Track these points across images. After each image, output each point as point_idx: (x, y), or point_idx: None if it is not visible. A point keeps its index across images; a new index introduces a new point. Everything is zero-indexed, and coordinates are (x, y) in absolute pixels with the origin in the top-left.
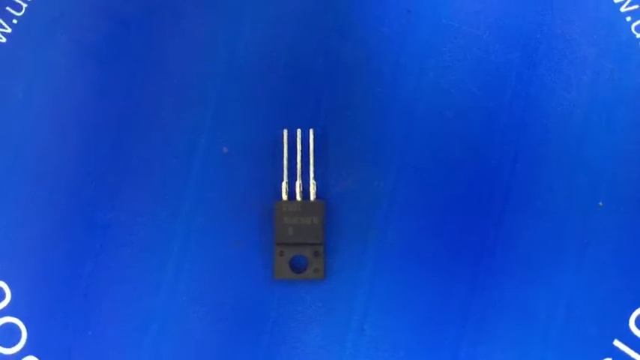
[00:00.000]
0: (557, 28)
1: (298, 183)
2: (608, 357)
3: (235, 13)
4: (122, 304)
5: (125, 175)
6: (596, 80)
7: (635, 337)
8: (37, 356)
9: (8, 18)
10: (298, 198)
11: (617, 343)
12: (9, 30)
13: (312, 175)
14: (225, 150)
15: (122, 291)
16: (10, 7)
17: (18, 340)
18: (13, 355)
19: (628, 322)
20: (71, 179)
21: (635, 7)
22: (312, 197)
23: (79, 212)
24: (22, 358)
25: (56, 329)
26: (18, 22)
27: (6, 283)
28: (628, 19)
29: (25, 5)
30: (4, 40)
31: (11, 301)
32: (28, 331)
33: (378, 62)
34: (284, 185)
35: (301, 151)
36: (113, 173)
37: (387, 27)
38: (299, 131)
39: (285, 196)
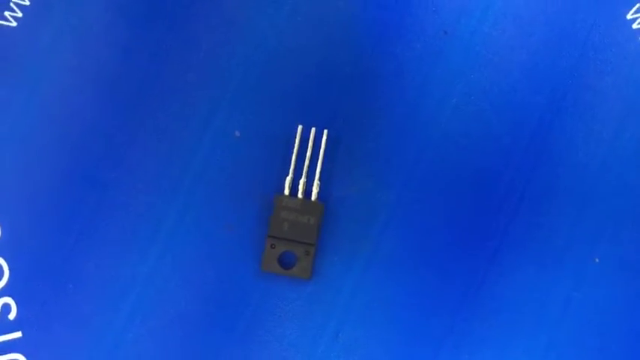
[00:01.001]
0: (588, 79)
1: (302, 181)
2: None
3: (277, 3)
4: (107, 265)
5: (135, 139)
6: (618, 137)
7: None
8: (13, 298)
9: None
10: (299, 195)
11: None
12: None
13: (317, 175)
14: (237, 134)
15: (109, 252)
16: None
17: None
18: None
19: None
20: (82, 132)
21: None
22: (314, 197)
23: (82, 166)
24: None
25: (38, 276)
26: None
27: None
28: None
29: None
30: None
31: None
32: (10, 272)
33: (406, 78)
34: (288, 180)
35: (312, 149)
36: (123, 134)
37: (421, 44)
38: (313, 130)
39: (287, 191)
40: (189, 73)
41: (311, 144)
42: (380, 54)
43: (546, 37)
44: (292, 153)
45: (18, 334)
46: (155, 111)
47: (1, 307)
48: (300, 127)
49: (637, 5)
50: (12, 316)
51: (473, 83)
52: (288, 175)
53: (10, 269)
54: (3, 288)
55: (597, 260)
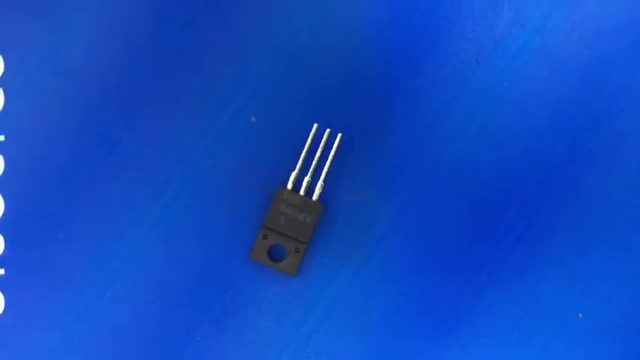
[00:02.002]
0: (609, 137)
1: (307, 179)
2: None
3: (318, 1)
4: (101, 222)
5: (153, 104)
6: (625, 202)
7: None
8: (3, 235)
9: None
10: (301, 192)
11: None
12: None
13: (323, 176)
14: (253, 119)
15: (106, 210)
16: None
17: None
18: None
19: None
20: (102, 88)
21: None
22: (315, 197)
23: (95, 122)
24: None
25: (32, 218)
26: None
27: (3, 156)
28: None
29: None
30: None
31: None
32: (5, 208)
33: (429, 99)
34: (293, 175)
35: (322, 150)
36: (142, 97)
37: (451, 68)
38: (328, 131)
39: (289, 186)
40: (217, 50)
41: (323, 144)
42: (409, 70)
43: (577, 86)
44: (303, 149)
45: (1, 271)
46: (177, 81)
47: None
48: (315, 126)
49: None
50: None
51: (494, 117)
52: (294, 171)
53: (5, 205)
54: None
55: (580, 316)
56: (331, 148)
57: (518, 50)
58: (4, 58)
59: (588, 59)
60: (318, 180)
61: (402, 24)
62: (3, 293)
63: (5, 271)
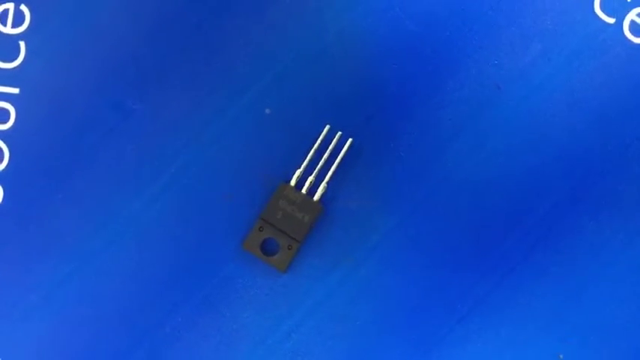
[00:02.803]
0: (618, 184)
1: (311, 178)
2: None
3: (350, 3)
4: (101, 190)
5: (170, 80)
6: (624, 255)
7: None
8: (2, 186)
9: None
10: (303, 191)
11: None
12: None
13: (327, 178)
14: (267, 111)
15: (108, 179)
16: None
17: (1, 159)
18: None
19: None
20: (122, 55)
21: None
22: (316, 197)
23: (111, 90)
24: None
25: (33, 176)
26: None
27: (12, 105)
28: None
29: None
30: None
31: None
32: (9, 161)
33: (443, 118)
34: (298, 172)
35: (331, 152)
36: (161, 72)
37: (470, 91)
38: (339, 134)
39: (293, 182)
40: (242, 36)
41: (332, 147)
42: (429, 86)
43: (592, 128)
44: (311, 149)
45: None
46: (197, 61)
47: None
48: (327, 127)
49: None
50: None
51: (505, 145)
52: (299, 168)
53: (9, 157)
54: (2, 172)
55: (561, 357)
56: (339, 152)
57: (541, 83)
58: (30, 12)
59: (609, 103)
60: (322, 181)
61: (428, 39)
62: None
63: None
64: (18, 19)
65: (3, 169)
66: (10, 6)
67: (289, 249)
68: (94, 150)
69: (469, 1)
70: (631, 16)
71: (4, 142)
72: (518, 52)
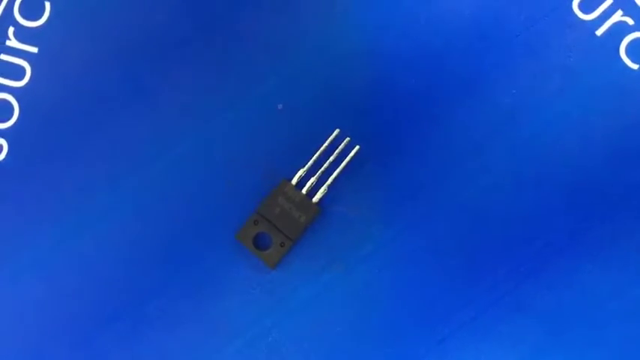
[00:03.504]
0: (623, 227)
1: (312, 179)
2: None
3: (376, 9)
4: (102, 159)
5: (191, 61)
6: (618, 297)
7: None
8: (7, 141)
9: None
10: (303, 191)
11: None
12: None
13: (329, 181)
14: (280, 106)
15: (109, 149)
16: None
17: (11, 116)
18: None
19: None
20: (147, 29)
21: None
22: (315, 199)
23: (131, 60)
24: None
25: (38, 136)
26: None
27: (28, 64)
28: None
29: None
30: None
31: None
32: (19, 116)
33: (455, 140)
34: (301, 172)
35: (336, 156)
36: (182, 52)
37: (484, 117)
38: (347, 139)
39: (294, 181)
40: (268, 28)
41: (338, 151)
42: (444, 105)
43: (601, 173)
44: (318, 150)
45: None
46: (219, 47)
47: None
48: (337, 131)
49: None
50: (0, 157)
51: (510, 175)
52: (303, 168)
53: (19, 114)
54: (8, 127)
55: None
56: (345, 158)
57: (555, 118)
58: None
59: (620, 148)
60: (323, 184)
61: (450, 58)
62: None
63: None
64: None
65: (10, 126)
66: None
67: (281, 246)
68: (104, 118)
69: (496, 26)
70: None
71: (16, 98)
72: (537, 84)
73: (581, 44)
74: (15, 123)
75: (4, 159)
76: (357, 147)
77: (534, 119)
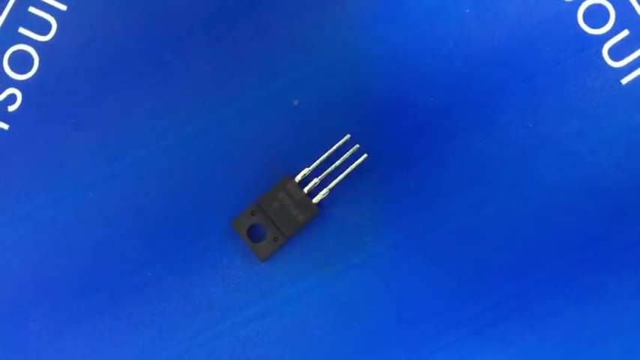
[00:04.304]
0: (624, 280)
1: (316, 180)
2: None
3: (406, 22)
4: (111, 126)
5: (212, 45)
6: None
7: None
8: (22, 92)
9: None
10: (305, 190)
11: None
12: None
13: (331, 185)
14: (295, 102)
15: (119, 118)
16: None
17: (30, 69)
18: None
19: None
20: (173, 7)
21: None
22: (315, 200)
23: (153, 34)
24: None
25: (52, 90)
26: None
27: (55, 20)
28: None
29: None
30: None
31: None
32: (38, 68)
33: (464, 166)
34: (305, 170)
35: (343, 161)
36: (207, 36)
37: (497, 147)
38: (356, 147)
39: (298, 179)
40: (293, 22)
41: (346, 156)
42: (457, 130)
43: (604, 221)
44: (326, 152)
45: (4, 126)
46: (241, 35)
47: (7, 96)
48: (347, 136)
49: None
50: (12, 108)
51: (513, 208)
52: (308, 167)
53: (38, 66)
54: (25, 79)
55: None
56: (351, 164)
57: (567, 160)
58: None
59: (629, 199)
60: (326, 186)
61: (472, 81)
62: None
63: (9, 127)
64: None
65: (28, 78)
66: None
67: (275, 241)
68: (119, 87)
69: (523, 58)
70: None
71: (38, 52)
72: (554, 123)
73: (605, 90)
74: (33, 76)
75: (16, 109)
76: (365, 155)
77: (545, 156)
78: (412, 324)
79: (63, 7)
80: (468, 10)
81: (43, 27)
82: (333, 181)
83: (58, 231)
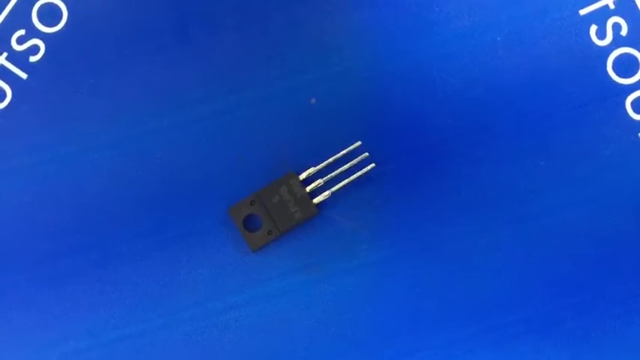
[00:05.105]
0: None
1: (319, 181)
2: None
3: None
4: (126, 94)
5: (241, 27)
6: None
7: None
8: (43, 42)
9: None
10: (307, 189)
11: None
12: None
13: (334, 188)
14: (313, 101)
15: (136, 87)
16: None
17: (58, 22)
18: None
19: None
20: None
21: None
22: (315, 200)
23: (182, 8)
24: None
25: (77, 46)
26: None
27: None
28: None
29: None
30: None
31: None
32: (68, 18)
33: (470, 198)
34: (311, 170)
35: (350, 167)
36: (237, 16)
37: (504, 186)
38: (365, 155)
39: (302, 177)
40: (322, 19)
41: (353, 162)
42: (470, 158)
43: (592, 284)
44: (334, 155)
45: (23, 75)
46: (274, 22)
47: (31, 46)
48: (358, 143)
49: None
50: (34, 59)
51: (509, 247)
52: (314, 167)
53: (66, 22)
54: (51, 32)
55: None
56: (357, 171)
57: (572, 203)
58: None
59: (626, 257)
60: (328, 189)
61: (491, 113)
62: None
63: (27, 77)
64: None
65: (54, 32)
66: None
67: (268, 234)
68: (140, 57)
69: (545, 95)
70: None
71: (67, 7)
72: (565, 165)
73: (621, 141)
74: (59, 31)
75: (37, 61)
76: (372, 165)
77: (550, 197)
78: (390, 339)
79: None
80: (498, 38)
81: None
82: (336, 184)
83: (57, 187)
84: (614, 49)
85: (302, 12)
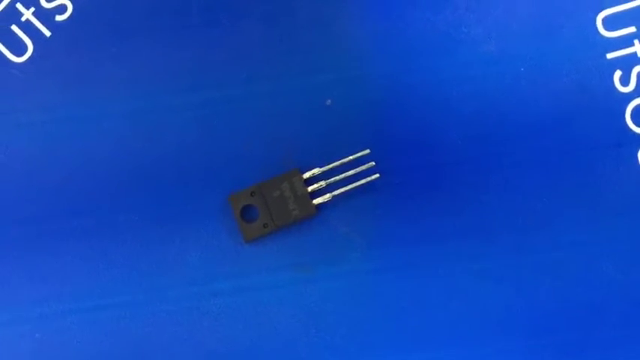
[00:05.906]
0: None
1: (322, 183)
2: None
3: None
4: (143, 69)
5: (266, 18)
6: None
7: None
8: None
9: None
10: (309, 188)
11: None
12: None
13: (336, 192)
14: (328, 102)
15: (155, 63)
16: None
17: None
18: None
19: None
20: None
21: None
22: (316, 201)
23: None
24: None
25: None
26: None
27: None
28: None
29: None
30: None
31: None
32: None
33: (475, 220)
34: (315, 171)
35: (355, 174)
36: (263, 8)
37: (513, 215)
38: (371, 163)
39: (305, 176)
40: (342, 22)
41: (358, 170)
42: (479, 176)
43: (585, 320)
44: (340, 160)
45: (47, 33)
46: (298, 16)
47: (59, 5)
48: (367, 151)
49: None
50: (60, 18)
51: (511, 275)
52: (319, 168)
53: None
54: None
55: None
56: (362, 179)
57: (569, 244)
58: None
59: (627, 298)
60: (330, 192)
61: (504, 144)
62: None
63: (51, 35)
64: None
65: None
66: None
67: (264, 227)
68: (166, 32)
69: (563, 132)
70: None
71: None
72: (569, 206)
73: (629, 191)
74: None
75: (63, 20)
76: (377, 175)
77: (550, 235)
78: (366, 350)
79: None
80: (522, 69)
81: None
82: (339, 189)
83: (64, 148)
84: (635, 98)
85: (330, 12)
